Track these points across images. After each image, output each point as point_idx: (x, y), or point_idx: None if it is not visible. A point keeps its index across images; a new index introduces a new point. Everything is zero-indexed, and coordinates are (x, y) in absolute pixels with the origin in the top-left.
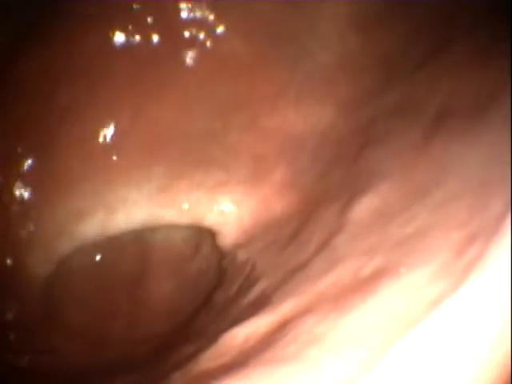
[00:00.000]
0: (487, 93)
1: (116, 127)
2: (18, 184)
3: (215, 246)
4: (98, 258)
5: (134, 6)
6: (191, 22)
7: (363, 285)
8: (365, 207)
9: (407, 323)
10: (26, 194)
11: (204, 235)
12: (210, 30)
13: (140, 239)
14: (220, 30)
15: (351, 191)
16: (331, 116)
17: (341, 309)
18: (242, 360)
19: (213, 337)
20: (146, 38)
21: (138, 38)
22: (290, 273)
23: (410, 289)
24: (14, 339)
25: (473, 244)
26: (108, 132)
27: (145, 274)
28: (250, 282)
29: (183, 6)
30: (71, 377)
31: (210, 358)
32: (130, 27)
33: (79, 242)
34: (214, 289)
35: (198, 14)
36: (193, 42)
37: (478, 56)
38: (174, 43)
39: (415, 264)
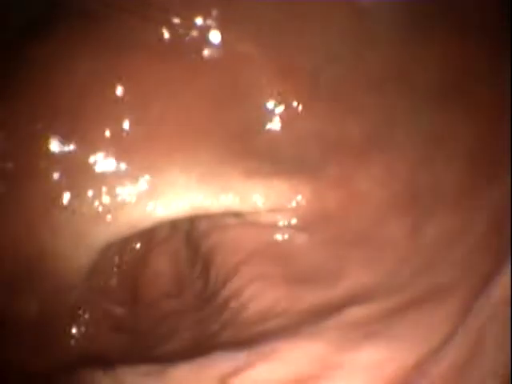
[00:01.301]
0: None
1: (147, 114)
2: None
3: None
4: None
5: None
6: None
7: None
8: (435, 227)
9: None
10: (56, 176)
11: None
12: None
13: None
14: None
15: (421, 209)
16: (369, 124)
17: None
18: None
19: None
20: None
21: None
22: (377, 275)
23: None
24: (34, 337)
25: None
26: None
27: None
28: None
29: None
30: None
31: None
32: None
33: (122, 231)
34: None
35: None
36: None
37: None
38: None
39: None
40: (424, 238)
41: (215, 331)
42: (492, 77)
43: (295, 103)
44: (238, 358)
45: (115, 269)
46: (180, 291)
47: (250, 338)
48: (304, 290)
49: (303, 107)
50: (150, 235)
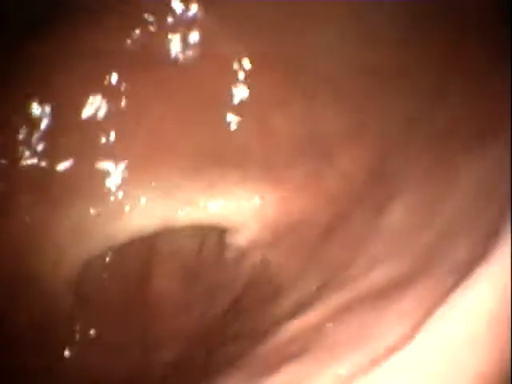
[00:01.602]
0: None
1: (119, 125)
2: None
3: (234, 245)
4: (109, 259)
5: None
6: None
7: (397, 283)
8: (395, 214)
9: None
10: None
11: (221, 235)
12: (205, 29)
13: (151, 238)
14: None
15: (381, 196)
16: (344, 120)
17: (380, 304)
18: (296, 353)
19: (256, 336)
20: (145, 37)
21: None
22: (331, 272)
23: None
24: (32, 341)
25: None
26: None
27: (154, 274)
28: (284, 283)
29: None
30: None
31: (262, 354)
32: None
33: (93, 247)
34: (239, 290)
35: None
36: (187, 41)
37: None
38: (171, 43)
39: (435, 265)
40: (385, 222)
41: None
42: (492, 76)
43: (270, 101)
44: None
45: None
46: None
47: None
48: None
49: (278, 107)
50: (149, 251)
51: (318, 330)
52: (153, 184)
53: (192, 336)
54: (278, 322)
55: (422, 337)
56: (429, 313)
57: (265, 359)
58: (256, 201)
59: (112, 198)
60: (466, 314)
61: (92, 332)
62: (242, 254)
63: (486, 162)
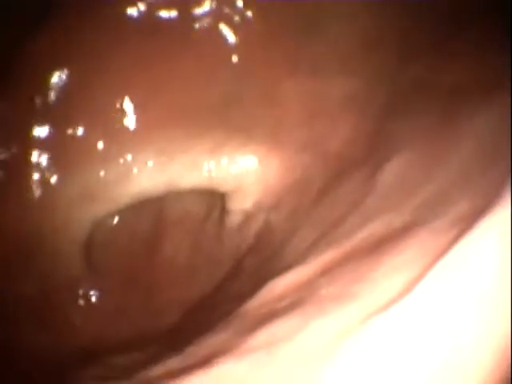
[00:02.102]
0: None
1: (131, 97)
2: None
3: (238, 209)
4: (116, 222)
5: None
6: None
7: (393, 236)
8: (392, 172)
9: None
10: (45, 162)
11: (224, 198)
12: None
13: (158, 203)
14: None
15: (378, 157)
16: (350, 87)
17: (375, 257)
18: (286, 308)
19: (251, 293)
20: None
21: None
22: (324, 229)
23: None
24: (37, 311)
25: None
26: (123, 101)
27: (161, 240)
28: (281, 242)
29: None
30: (83, 354)
31: (252, 310)
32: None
33: (101, 209)
34: (242, 252)
35: None
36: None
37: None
38: (185, 15)
39: (436, 217)
40: (380, 181)
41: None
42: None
43: (280, 66)
44: None
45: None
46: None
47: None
48: None
49: (287, 72)
50: (156, 216)
51: (309, 285)
52: (158, 147)
53: (196, 299)
54: (265, 281)
55: (420, 290)
56: (428, 266)
57: (253, 315)
58: (259, 163)
59: (120, 162)
60: (468, 267)
61: (97, 295)
62: (246, 218)
63: (488, 121)
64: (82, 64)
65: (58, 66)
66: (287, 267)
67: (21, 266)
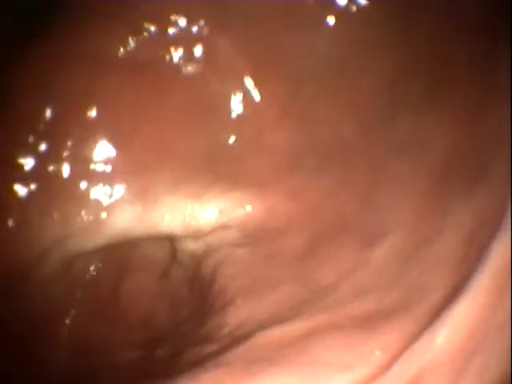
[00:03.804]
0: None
1: (115, 135)
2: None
3: (211, 252)
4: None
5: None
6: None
7: (383, 314)
8: (386, 248)
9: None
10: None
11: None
12: (208, 41)
13: (128, 246)
14: (219, 41)
15: (371, 228)
16: (339, 135)
17: (366, 331)
18: (273, 361)
19: (237, 339)
20: (145, 46)
21: (136, 45)
22: (314, 291)
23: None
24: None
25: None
26: (107, 139)
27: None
28: (259, 289)
29: (182, 16)
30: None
31: (238, 356)
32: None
33: (76, 248)
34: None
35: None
36: (191, 53)
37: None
38: (171, 53)
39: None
40: (372, 257)
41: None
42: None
43: (269, 115)
44: None
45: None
46: (171, 311)
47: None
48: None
49: (276, 120)
50: (129, 254)
51: (297, 343)
52: (142, 188)
53: (157, 339)
54: (253, 329)
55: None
56: (407, 345)
57: (240, 363)
58: (239, 211)
59: (100, 201)
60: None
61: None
62: (217, 262)
63: (472, 211)
64: (66, 99)
65: (39, 99)
66: (273, 321)
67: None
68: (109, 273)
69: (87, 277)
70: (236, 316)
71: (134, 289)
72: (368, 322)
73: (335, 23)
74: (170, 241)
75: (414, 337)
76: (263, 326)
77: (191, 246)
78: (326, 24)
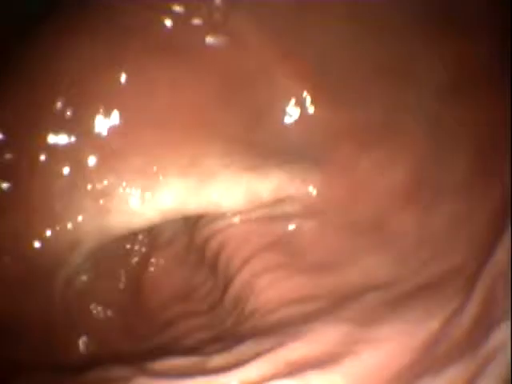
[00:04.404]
0: None
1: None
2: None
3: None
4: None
5: None
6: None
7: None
8: (440, 214)
9: None
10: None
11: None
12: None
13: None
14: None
15: (425, 199)
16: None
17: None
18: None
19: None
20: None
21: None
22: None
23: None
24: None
25: None
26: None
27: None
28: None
29: None
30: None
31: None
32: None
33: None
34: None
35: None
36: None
37: None
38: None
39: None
40: (432, 226)
41: (232, 325)
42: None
43: (301, 91)
44: (265, 342)
45: (113, 271)
46: (187, 295)
47: (272, 324)
48: (318, 278)
49: (309, 94)
50: (151, 240)
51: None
52: (189, 166)
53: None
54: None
55: None
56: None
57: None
58: (296, 181)
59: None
60: None
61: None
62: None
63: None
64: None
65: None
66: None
67: (22, 287)
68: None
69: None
70: (314, 288)
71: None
72: (438, 282)
73: None
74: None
75: (476, 277)
76: (357, 292)
77: (252, 217)
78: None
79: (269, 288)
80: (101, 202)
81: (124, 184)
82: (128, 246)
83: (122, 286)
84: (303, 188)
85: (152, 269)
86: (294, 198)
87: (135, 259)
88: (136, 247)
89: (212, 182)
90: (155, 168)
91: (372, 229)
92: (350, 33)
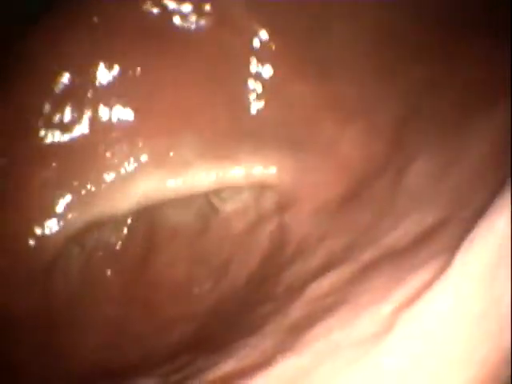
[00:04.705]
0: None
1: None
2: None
3: (248, 217)
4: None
5: None
6: None
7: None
8: (416, 174)
9: None
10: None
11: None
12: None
13: (151, 214)
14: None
15: (398, 163)
16: (360, 88)
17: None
18: (333, 303)
19: (281, 298)
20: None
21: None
22: (357, 233)
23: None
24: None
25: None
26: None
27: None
28: (302, 246)
29: None
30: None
31: (299, 309)
32: None
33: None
34: (255, 262)
35: None
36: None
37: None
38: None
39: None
40: (407, 183)
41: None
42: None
43: (286, 65)
44: None
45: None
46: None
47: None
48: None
49: (294, 68)
50: (151, 227)
51: (349, 284)
52: (166, 156)
53: (204, 312)
54: (305, 282)
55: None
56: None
57: (301, 313)
58: (272, 169)
59: (122, 168)
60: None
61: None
62: (256, 223)
63: (496, 124)
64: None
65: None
66: (325, 268)
67: (19, 282)
68: (133, 247)
69: (116, 247)
70: (290, 272)
71: (165, 261)
72: (411, 245)
73: None
74: (203, 203)
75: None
76: (316, 276)
77: (226, 207)
78: None
79: None
80: (83, 192)
81: (105, 175)
82: (126, 241)
83: (121, 279)
84: (278, 174)
85: (153, 263)
86: (269, 185)
87: (134, 253)
88: (136, 241)
89: (186, 172)
90: (132, 159)
91: (344, 205)
92: (347, 7)
